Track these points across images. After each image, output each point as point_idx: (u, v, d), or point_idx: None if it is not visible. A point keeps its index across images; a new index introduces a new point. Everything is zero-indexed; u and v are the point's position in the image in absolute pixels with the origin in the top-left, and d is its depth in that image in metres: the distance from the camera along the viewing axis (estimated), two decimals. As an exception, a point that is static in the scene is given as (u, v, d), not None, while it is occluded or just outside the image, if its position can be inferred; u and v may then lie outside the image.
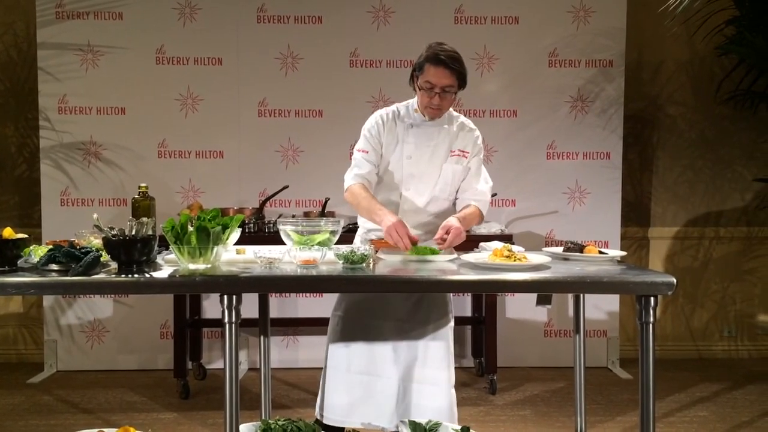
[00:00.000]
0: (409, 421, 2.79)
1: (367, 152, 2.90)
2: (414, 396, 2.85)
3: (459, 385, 4.43)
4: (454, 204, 3.00)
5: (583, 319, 2.87)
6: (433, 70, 2.75)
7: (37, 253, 2.37)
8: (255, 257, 2.40)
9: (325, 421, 2.89)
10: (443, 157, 2.91)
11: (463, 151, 2.93)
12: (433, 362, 2.86)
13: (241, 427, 2.71)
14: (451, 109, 2.94)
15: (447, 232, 2.69)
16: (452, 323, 2.95)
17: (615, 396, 4.26)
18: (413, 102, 2.93)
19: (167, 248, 2.51)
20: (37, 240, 4.33)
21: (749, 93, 4.84)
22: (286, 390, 4.34)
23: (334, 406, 2.87)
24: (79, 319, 4.75)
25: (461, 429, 2.81)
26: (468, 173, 2.97)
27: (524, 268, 2.36)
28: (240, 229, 2.50)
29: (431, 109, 2.82)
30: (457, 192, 2.98)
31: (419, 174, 2.89)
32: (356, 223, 3.14)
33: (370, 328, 2.87)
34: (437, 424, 2.79)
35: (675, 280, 2.20)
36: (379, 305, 2.87)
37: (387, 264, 2.52)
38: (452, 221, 2.74)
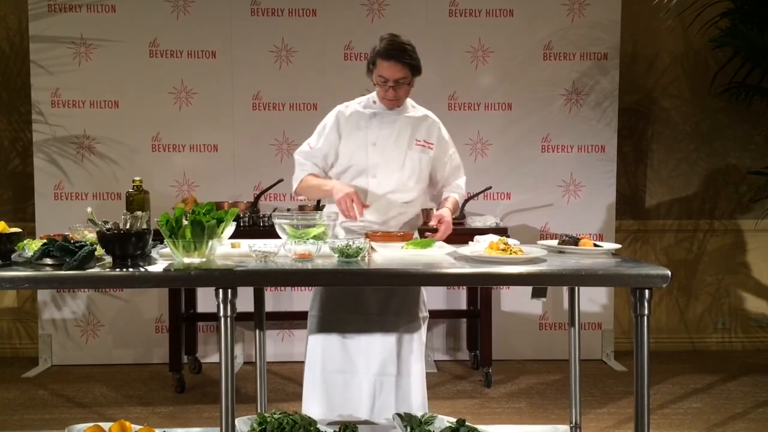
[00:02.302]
0: (405, 414, 2.80)
1: (312, 148, 2.99)
2: (390, 388, 2.89)
3: (454, 378, 4.47)
4: (425, 194, 3.12)
5: (578, 312, 2.88)
6: (385, 64, 2.82)
7: (31, 247, 2.36)
8: (250, 251, 2.40)
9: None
10: (407, 143, 2.97)
11: (428, 142, 3.00)
12: (408, 354, 2.91)
13: (237, 420, 2.71)
14: (411, 100, 3.03)
15: (439, 222, 2.82)
16: (426, 314, 3.00)
17: (610, 388, 4.28)
18: (373, 94, 3.01)
19: (162, 242, 2.50)
20: (31, 234, 4.30)
21: (744, 85, 4.85)
22: (282, 383, 4.34)
23: (313, 405, 2.92)
24: (73, 313, 4.74)
25: (456, 422, 2.82)
26: (447, 167, 3.08)
27: (520, 261, 2.36)
28: (235, 222, 2.50)
29: (388, 100, 2.91)
30: (437, 185, 3.11)
31: (385, 161, 2.95)
32: None
33: (343, 324, 2.92)
34: (432, 417, 2.81)
35: (670, 273, 2.20)
36: (351, 300, 2.92)
37: (382, 257, 2.52)
38: (445, 213, 2.88)
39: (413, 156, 2.96)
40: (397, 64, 2.79)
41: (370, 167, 2.94)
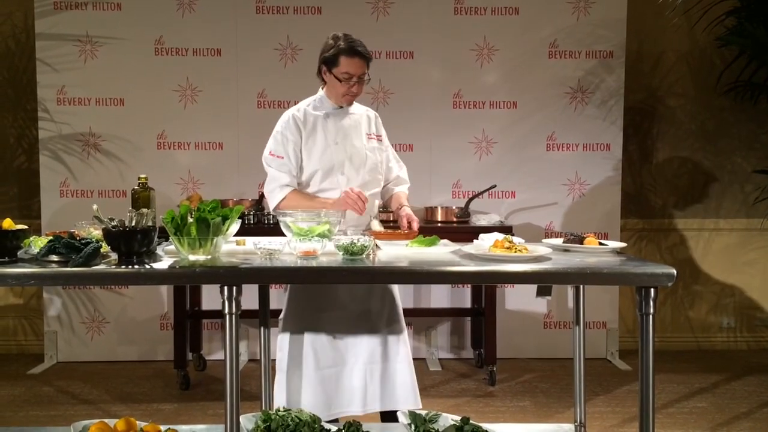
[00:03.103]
0: (409, 412, 2.80)
1: (282, 158, 2.99)
2: (380, 379, 2.90)
3: (458, 376, 4.47)
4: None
5: (583, 311, 2.87)
6: (350, 61, 2.91)
7: (37, 244, 2.36)
8: (255, 248, 2.40)
9: None
10: (363, 138, 3.06)
11: (377, 135, 3.12)
12: (393, 346, 2.92)
13: (242, 418, 2.71)
14: None
15: (409, 222, 2.93)
16: (398, 302, 3.01)
17: (614, 387, 4.27)
18: (320, 96, 3.04)
19: (167, 239, 2.51)
20: (37, 231, 4.33)
21: (749, 84, 4.83)
22: (286, 381, 4.34)
23: (307, 405, 2.89)
24: (79, 310, 4.76)
25: (461, 420, 2.82)
26: (387, 158, 3.17)
27: (525, 259, 2.35)
28: (239, 220, 2.50)
29: (349, 96, 2.99)
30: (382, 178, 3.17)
31: (349, 156, 3.01)
32: None
33: (325, 322, 2.90)
34: (437, 415, 2.81)
35: (675, 272, 2.20)
36: (328, 297, 2.90)
37: (387, 255, 2.52)
38: (409, 211, 3.00)
39: (371, 149, 3.05)
40: (361, 59, 2.91)
41: (337, 165, 2.99)
